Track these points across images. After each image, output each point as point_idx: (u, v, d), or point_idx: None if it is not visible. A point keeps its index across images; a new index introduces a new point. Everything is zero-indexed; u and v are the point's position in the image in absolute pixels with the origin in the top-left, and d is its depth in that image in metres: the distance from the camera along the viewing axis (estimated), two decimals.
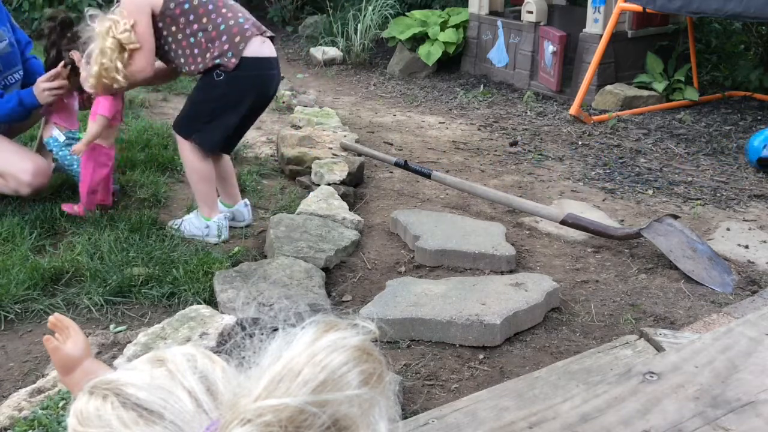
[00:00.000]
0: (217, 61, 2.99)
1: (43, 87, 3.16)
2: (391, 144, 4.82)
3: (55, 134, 3.36)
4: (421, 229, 3.22)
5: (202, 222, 3.23)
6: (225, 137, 3.17)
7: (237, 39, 2.98)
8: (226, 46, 2.98)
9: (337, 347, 0.64)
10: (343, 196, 3.64)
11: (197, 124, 3.12)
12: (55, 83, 3.17)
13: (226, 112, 3.09)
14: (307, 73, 7.03)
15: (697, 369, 1.42)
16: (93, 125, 3.09)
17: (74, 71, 3.22)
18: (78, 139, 3.41)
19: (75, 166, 3.37)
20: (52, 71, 3.18)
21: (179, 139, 3.17)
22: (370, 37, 7.19)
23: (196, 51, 3.05)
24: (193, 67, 3.08)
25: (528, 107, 5.79)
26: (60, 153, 3.38)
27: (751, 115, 5.43)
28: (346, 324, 0.68)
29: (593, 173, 4.34)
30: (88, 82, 3.02)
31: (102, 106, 3.10)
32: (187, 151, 3.16)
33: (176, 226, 3.25)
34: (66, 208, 3.25)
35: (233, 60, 2.98)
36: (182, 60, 3.09)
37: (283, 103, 5.60)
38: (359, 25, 7.15)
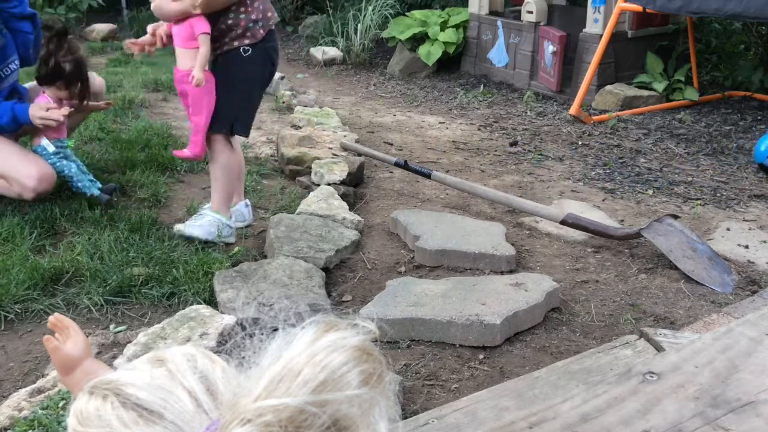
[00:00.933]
0: (251, 26, 2.95)
1: (39, 116, 3.18)
2: (391, 144, 4.82)
3: (44, 143, 3.32)
4: (421, 229, 3.22)
5: (214, 218, 3.17)
6: (253, 118, 3.18)
7: (269, 13, 3.02)
8: (260, 15, 2.97)
9: (337, 347, 0.64)
10: (343, 196, 3.64)
11: (235, 112, 3.08)
12: (51, 116, 3.17)
13: (255, 89, 3.11)
14: (307, 73, 7.03)
15: (697, 369, 1.42)
16: (202, 46, 2.93)
17: (69, 83, 3.22)
18: (67, 147, 3.41)
19: (66, 172, 3.35)
20: (52, 110, 3.18)
21: (212, 136, 3.09)
22: (370, 37, 7.19)
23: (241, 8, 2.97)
24: (230, 22, 2.95)
25: (528, 107, 5.79)
26: (49, 161, 3.32)
27: (751, 115, 5.43)
28: (346, 324, 0.68)
29: (593, 173, 4.34)
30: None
31: (201, 25, 2.93)
32: (220, 146, 3.10)
33: (181, 231, 3.18)
34: (178, 153, 3.20)
35: (261, 31, 2.97)
36: (225, 25, 2.96)
37: (283, 103, 5.60)
38: (359, 25, 7.15)
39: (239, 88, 3.05)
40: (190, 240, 3.14)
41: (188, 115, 3.11)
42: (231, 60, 3.00)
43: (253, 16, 2.96)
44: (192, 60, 2.94)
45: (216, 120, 3.06)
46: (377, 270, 3.06)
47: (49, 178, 3.26)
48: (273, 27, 3.07)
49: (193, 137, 3.09)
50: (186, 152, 3.14)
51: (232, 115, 3.07)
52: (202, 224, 3.17)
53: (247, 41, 2.98)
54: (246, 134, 3.18)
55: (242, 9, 2.95)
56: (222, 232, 3.19)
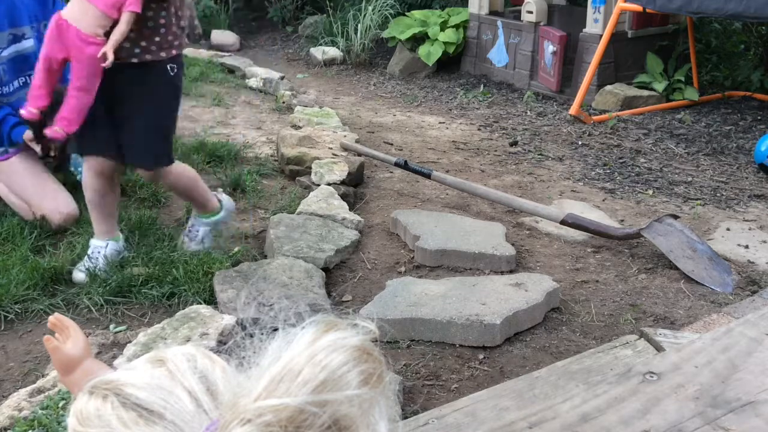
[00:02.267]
0: (179, 34, 2.67)
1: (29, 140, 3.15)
2: (391, 144, 4.82)
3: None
4: (421, 229, 3.22)
5: (212, 221, 3.10)
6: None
7: (194, 21, 2.89)
8: (186, 22, 2.75)
9: (337, 347, 0.64)
10: (343, 196, 3.64)
11: (168, 139, 2.82)
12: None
13: (176, 117, 2.87)
14: (307, 73, 7.03)
15: (697, 369, 1.42)
16: (123, 24, 2.53)
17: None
18: None
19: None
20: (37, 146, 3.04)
21: (165, 170, 2.83)
22: (370, 37, 7.19)
23: (169, 22, 2.63)
24: (162, 21, 2.61)
25: (528, 107, 5.79)
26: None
27: (751, 115, 5.43)
28: (346, 324, 0.68)
29: (593, 173, 4.34)
30: None
31: (132, 1, 2.54)
32: (173, 172, 2.88)
33: (191, 237, 3.08)
34: (50, 132, 2.66)
35: (186, 41, 2.79)
36: (153, 23, 2.60)
37: (283, 103, 5.60)
38: (359, 25, 7.15)
39: (171, 113, 2.78)
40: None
41: (72, 82, 2.60)
42: (155, 76, 2.65)
43: (183, 23, 2.68)
44: (98, 27, 2.52)
45: (161, 151, 2.80)
46: (377, 270, 3.06)
47: (74, 216, 3.23)
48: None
49: (68, 114, 2.61)
50: (57, 130, 2.64)
51: (170, 143, 2.83)
52: (200, 240, 3.11)
53: (174, 52, 2.66)
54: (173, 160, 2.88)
55: (173, 9, 2.62)
56: (217, 228, 3.13)
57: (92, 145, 2.76)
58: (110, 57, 2.49)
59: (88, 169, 2.83)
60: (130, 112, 2.70)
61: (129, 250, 3.00)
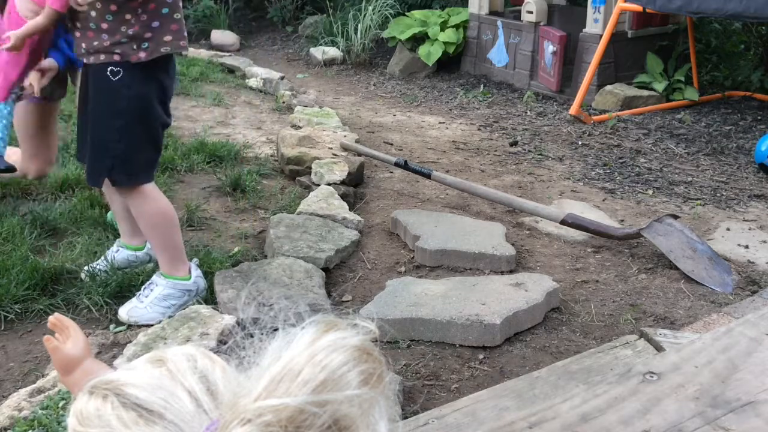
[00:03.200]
0: (124, 42, 2.35)
1: None
2: (391, 144, 4.82)
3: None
4: (421, 229, 3.22)
5: (178, 285, 2.61)
6: (144, 159, 2.52)
7: (166, 37, 2.41)
8: (148, 34, 2.37)
9: (337, 347, 0.64)
10: (343, 196, 3.64)
11: (113, 151, 2.45)
12: None
13: (134, 126, 2.46)
14: (307, 73, 7.03)
15: (697, 369, 1.42)
16: (42, 17, 2.40)
17: None
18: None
19: None
20: None
21: (133, 191, 2.51)
22: (370, 37, 7.19)
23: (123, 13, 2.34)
24: (104, 26, 2.34)
25: (528, 107, 5.79)
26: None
27: (751, 115, 5.43)
28: (346, 324, 0.68)
29: (593, 173, 4.34)
30: None
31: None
32: (151, 199, 2.54)
33: (131, 317, 2.57)
34: None
35: (141, 54, 2.38)
36: (95, 25, 2.35)
37: (283, 103, 5.60)
38: (359, 25, 7.15)
39: (113, 122, 2.42)
40: (189, 239, 3.12)
41: None
42: (98, 80, 2.41)
43: (132, 32, 2.34)
44: (27, 10, 2.47)
45: (132, 168, 2.47)
46: (377, 270, 3.06)
47: (44, 170, 3.19)
48: (170, 53, 2.45)
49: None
50: None
51: (104, 161, 2.45)
52: (151, 302, 2.59)
53: (116, 58, 2.36)
54: (135, 180, 2.49)
55: (126, 16, 2.34)
56: (183, 298, 2.62)
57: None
58: (10, 43, 2.41)
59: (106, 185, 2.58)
60: (85, 118, 2.55)
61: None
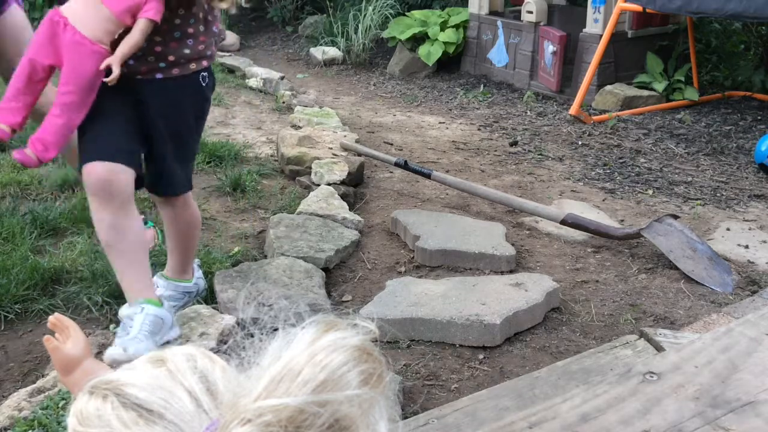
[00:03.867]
0: (210, 43, 2.26)
1: None
2: (391, 144, 4.82)
3: None
4: (421, 229, 3.22)
5: (180, 286, 2.55)
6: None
7: (213, 38, 2.31)
8: (218, 27, 2.32)
9: (337, 347, 0.64)
10: (343, 196, 3.64)
11: (191, 162, 2.43)
12: None
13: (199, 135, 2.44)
14: (307, 73, 7.03)
15: (697, 369, 1.42)
16: (138, 33, 2.07)
17: None
18: None
19: None
20: None
21: (183, 196, 2.40)
22: (370, 37, 7.19)
23: (202, 29, 2.23)
24: (190, 30, 2.19)
25: (528, 107, 5.79)
26: None
27: (751, 115, 5.43)
28: (346, 324, 0.68)
29: (593, 173, 4.34)
30: None
31: (154, 5, 2.07)
32: (192, 204, 2.48)
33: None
34: (21, 157, 2.08)
35: (215, 49, 2.34)
36: (181, 33, 2.18)
37: (283, 103, 5.60)
38: (359, 25, 7.15)
39: (199, 128, 2.36)
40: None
41: (59, 96, 2.08)
42: (191, 90, 2.25)
43: (209, 33, 2.25)
44: (104, 33, 2.06)
45: (187, 175, 2.38)
46: (377, 270, 3.06)
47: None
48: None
49: (47, 135, 2.08)
50: (29, 154, 2.08)
51: (190, 167, 2.41)
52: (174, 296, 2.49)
53: (204, 63, 2.25)
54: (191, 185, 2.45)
55: (202, 15, 2.21)
56: (183, 300, 2.55)
57: (103, 148, 2.15)
58: (116, 71, 2.03)
59: (93, 191, 2.14)
60: (158, 134, 2.24)
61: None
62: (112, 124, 2.17)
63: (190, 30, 2.19)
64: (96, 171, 2.11)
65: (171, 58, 2.18)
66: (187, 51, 2.19)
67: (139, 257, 2.22)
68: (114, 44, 2.07)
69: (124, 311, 2.24)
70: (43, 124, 2.08)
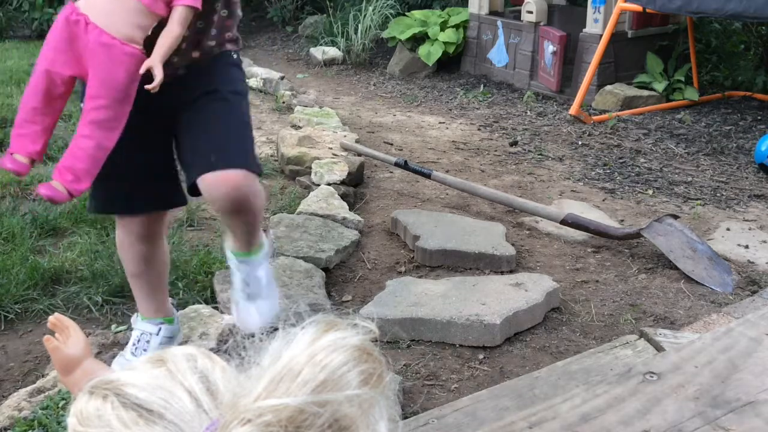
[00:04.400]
0: (237, 31, 2.05)
1: None
2: (391, 144, 4.82)
3: None
4: (421, 229, 3.22)
5: (251, 259, 2.15)
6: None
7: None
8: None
9: (337, 347, 0.64)
10: (343, 196, 3.64)
11: (251, 139, 2.06)
12: None
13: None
14: (307, 73, 7.03)
15: (697, 369, 1.42)
16: (176, 25, 1.76)
17: None
18: None
19: None
20: None
21: (254, 179, 1.96)
22: (370, 37, 7.19)
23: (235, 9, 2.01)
24: (221, 36, 1.97)
25: (528, 107, 5.79)
26: None
27: (751, 115, 5.43)
28: (346, 324, 0.68)
29: (593, 173, 4.34)
30: None
31: None
32: (259, 187, 2.02)
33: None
34: (48, 192, 1.72)
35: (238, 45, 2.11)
36: (212, 16, 1.93)
37: (283, 103, 5.60)
38: (359, 25, 7.15)
39: (244, 101, 2.06)
40: (189, 239, 3.11)
41: (86, 112, 1.75)
42: (223, 62, 2.00)
43: (236, 28, 2.06)
44: (136, 28, 1.73)
45: (251, 153, 2.00)
46: (377, 270, 3.06)
47: None
48: None
49: (77, 162, 1.74)
50: (57, 187, 1.72)
51: (251, 143, 2.03)
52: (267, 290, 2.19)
53: (231, 46, 2.04)
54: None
55: (238, 11, 2.04)
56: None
57: (131, 202, 2.00)
58: (159, 75, 1.70)
59: (125, 234, 2.08)
60: (197, 110, 1.93)
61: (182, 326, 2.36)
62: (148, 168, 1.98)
63: (214, 17, 1.92)
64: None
65: (195, 54, 1.92)
66: (211, 43, 1.95)
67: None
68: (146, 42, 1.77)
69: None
70: (70, 149, 1.74)
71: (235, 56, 2.03)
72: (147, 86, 1.71)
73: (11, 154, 1.73)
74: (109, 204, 2.08)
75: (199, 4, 1.77)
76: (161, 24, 1.76)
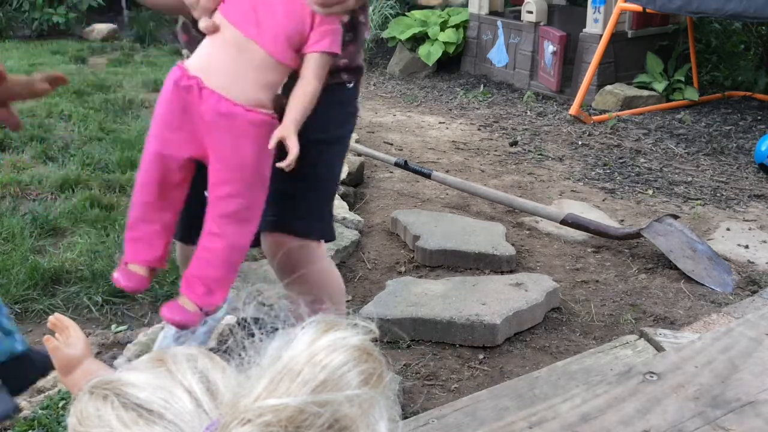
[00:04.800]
0: (358, 54, 1.71)
1: None
2: (391, 144, 4.82)
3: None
4: (421, 229, 3.22)
5: None
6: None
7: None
8: (365, 36, 1.73)
9: (337, 347, 0.64)
10: (343, 196, 3.63)
11: (330, 199, 1.77)
12: None
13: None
14: None
15: (697, 369, 1.42)
16: (314, 80, 1.42)
17: None
18: None
19: None
20: None
21: (313, 246, 1.72)
22: (370, 37, 7.19)
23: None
24: (346, 59, 1.63)
25: (528, 107, 5.79)
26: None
27: (751, 115, 5.43)
28: (346, 324, 0.68)
29: (593, 173, 4.34)
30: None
31: (331, 35, 1.42)
32: (317, 251, 1.77)
33: None
34: (176, 316, 1.47)
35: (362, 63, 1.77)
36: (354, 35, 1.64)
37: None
38: None
39: (340, 151, 1.73)
40: None
41: (213, 204, 1.45)
42: (328, 102, 1.53)
43: (366, 35, 1.71)
44: (262, 88, 1.38)
45: (325, 217, 1.73)
46: (377, 270, 3.06)
47: None
48: None
49: (209, 270, 1.46)
50: (187, 306, 1.44)
51: (329, 204, 1.75)
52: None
53: (350, 77, 1.69)
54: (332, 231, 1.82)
55: (360, 17, 1.64)
56: None
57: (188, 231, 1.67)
58: (294, 149, 1.34)
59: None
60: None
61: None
62: None
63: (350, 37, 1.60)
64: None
65: None
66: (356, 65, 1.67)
67: None
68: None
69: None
70: (197, 254, 1.43)
71: (348, 88, 1.67)
72: (279, 164, 1.35)
73: (126, 264, 1.45)
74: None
75: (338, 49, 1.42)
76: (293, 77, 1.40)
